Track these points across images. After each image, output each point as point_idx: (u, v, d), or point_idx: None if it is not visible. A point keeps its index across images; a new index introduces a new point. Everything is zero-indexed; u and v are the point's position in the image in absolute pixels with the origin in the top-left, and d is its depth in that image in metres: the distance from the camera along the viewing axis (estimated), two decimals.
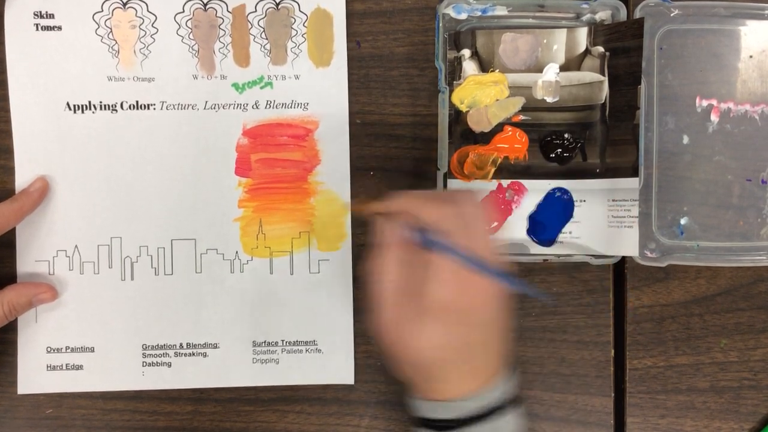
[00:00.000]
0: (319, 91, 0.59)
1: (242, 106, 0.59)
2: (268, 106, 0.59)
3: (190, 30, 0.59)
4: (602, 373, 0.60)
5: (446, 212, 0.47)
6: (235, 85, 0.59)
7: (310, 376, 0.59)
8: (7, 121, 0.58)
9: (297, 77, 0.59)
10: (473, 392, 0.48)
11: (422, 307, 0.46)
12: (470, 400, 0.48)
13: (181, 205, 0.59)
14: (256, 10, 0.59)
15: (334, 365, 0.59)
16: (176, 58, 0.59)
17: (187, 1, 0.58)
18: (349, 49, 0.59)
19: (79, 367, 0.59)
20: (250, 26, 0.59)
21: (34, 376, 0.58)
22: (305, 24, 0.59)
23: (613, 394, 0.60)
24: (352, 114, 0.59)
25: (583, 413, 0.60)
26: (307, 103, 0.59)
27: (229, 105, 0.59)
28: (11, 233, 0.58)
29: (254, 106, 0.59)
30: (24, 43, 0.58)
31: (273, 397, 0.59)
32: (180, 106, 0.59)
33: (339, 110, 0.59)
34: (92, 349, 0.59)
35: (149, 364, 0.59)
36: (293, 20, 0.59)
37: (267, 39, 0.59)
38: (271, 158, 0.59)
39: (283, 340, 0.59)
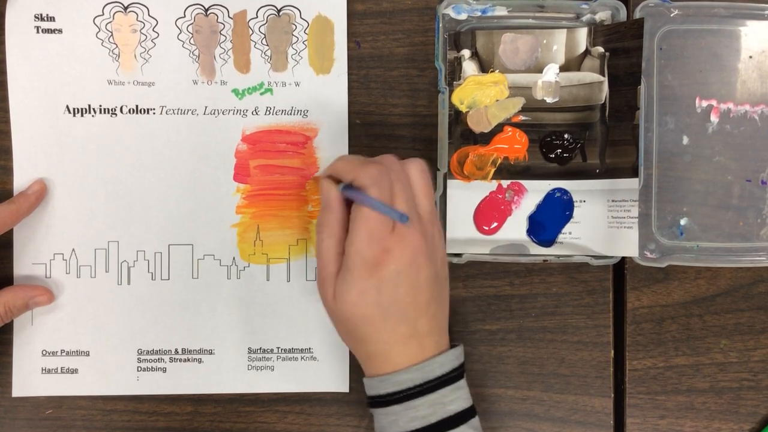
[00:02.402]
0: (319, 99, 0.58)
1: (242, 112, 0.58)
2: (267, 112, 0.58)
3: (190, 35, 0.57)
4: (602, 374, 0.59)
5: (368, 170, 0.47)
6: (235, 91, 0.58)
7: (305, 383, 0.58)
8: (7, 121, 0.57)
9: (297, 84, 0.58)
10: (412, 364, 0.47)
11: (344, 263, 0.47)
12: (405, 372, 0.47)
13: (178, 210, 0.58)
14: (257, 17, 0.58)
15: (329, 373, 0.58)
16: (176, 62, 0.57)
17: (188, 6, 0.57)
18: (349, 50, 0.58)
19: (74, 371, 0.57)
20: (251, 32, 0.58)
21: (29, 379, 0.57)
22: (306, 31, 0.58)
23: (612, 395, 0.59)
24: (352, 114, 0.58)
25: (582, 414, 0.58)
26: (307, 111, 0.58)
27: (229, 111, 0.58)
28: (8, 235, 0.57)
29: (254, 113, 0.58)
30: (24, 45, 0.57)
31: (273, 398, 0.58)
32: (180, 111, 0.58)
33: (338, 118, 0.58)
34: (87, 353, 0.57)
35: (144, 369, 0.58)
36: (294, 27, 0.58)
37: (268, 45, 0.58)
38: (269, 165, 0.58)
39: (278, 348, 0.58)
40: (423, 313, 0.47)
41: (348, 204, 0.48)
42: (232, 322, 0.58)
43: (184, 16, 0.57)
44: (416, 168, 0.49)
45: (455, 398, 0.48)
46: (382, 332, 0.47)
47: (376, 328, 0.47)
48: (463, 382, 0.49)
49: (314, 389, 0.58)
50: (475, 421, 0.49)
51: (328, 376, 0.58)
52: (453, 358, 0.49)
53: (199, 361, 0.57)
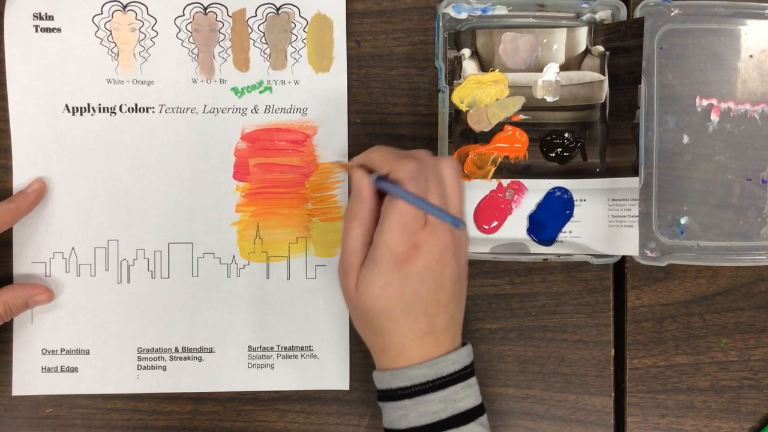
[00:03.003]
0: (319, 97, 0.57)
1: (241, 111, 0.57)
2: (267, 110, 0.57)
3: (190, 33, 0.57)
4: (602, 373, 0.58)
5: (406, 165, 0.47)
6: (235, 90, 0.57)
7: (305, 381, 0.58)
8: (6, 120, 0.57)
9: (296, 82, 0.57)
10: (426, 360, 0.47)
11: (371, 253, 0.46)
12: (419, 367, 0.47)
13: (178, 208, 0.57)
14: (256, 15, 0.57)
15: (330, 371, 0.58)
16: (176, 61, 0.57)
17: (187, 5, 0.57)
18: (349, 49, 0.58)
19: (74, 370, 0.57)
20: (250, 30, 0.57)
21: (29, 377, 0.57)
22: (305, 29, 0.57)
23: (613, 394, 0.58)
24: (352, 113, 0.58)
25: (583, 413, 0.58)
26: (306, 109, 0.57)
27: (228, 109, 0.57)
28: (8, 234, 0.56)
29: (253, 111, 0.57)
30: (23, 44, 0.56)
31: (273, 396, 0.58)
32: (179, 110, 0.57)
33: (338, 116, 0.57)
34: (87, 352, 0.57)
35: (144, 368, 0.57)
36: (293, 25, 0.57)
37: (267, 43, 0.57)
38: (269, 163, 0.58)
39: (278, 346, 0.58)
40: (443, 310, 0.47)
41: (378, 195, 0.48)
42: (232, 320, 0.57)
43: (183, 15, 0.57)
44: (449, 165, 0.49)
45: (466, 395, 0.47)
46: (401, 326, 0.46)
47: (396, 322, 0.46)
48: (473, 380, 0.49)
49: (314, 387, 0.57)
50: (483, 418, 0.48)
51: (328, 374, 0.57)
52: (465, 355, 0.48)
53: (200, 359, 0.57)
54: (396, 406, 0.47)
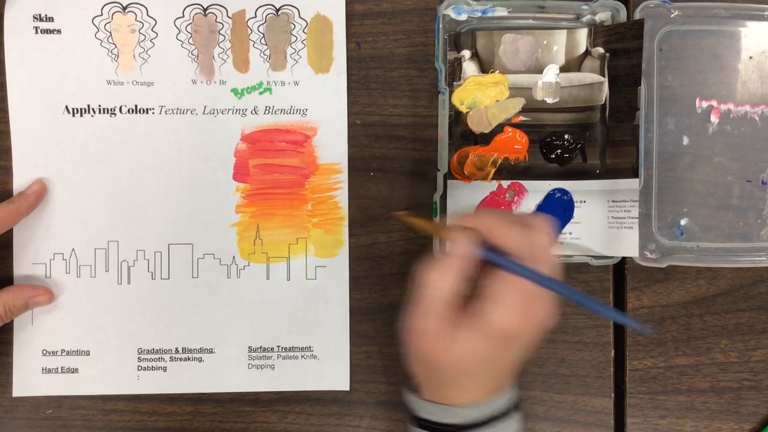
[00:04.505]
0: (318, 98, 0.57)
1: (241, 112, 0.57)
2: (267, 111, 0.57)
3: (189, 35, 0.57)
4: (602, 374, 0.58)
5: (518, 236, 0.44)
6: (234, 91, 0.57)
7: (305, 382, 0.57)
8: (6, 122, 0.56)
9: (296, 83, 0.57)
10: (480, 401, 0.46)
11: (476, 324, 0.43)
12: (475, 408, 0.46)
13: (178, 209, 0.57)
14: (256, 16, 0.57)
15: (330, 371, 0.57)
16: (175, 62, 0.57)
17: (187, 6, 0.56)
18: (349, 50, 0.57)
19: (75, 371, 0.57)
20: (249, 32, 0.57)
21: (29, 378, 0.56)
22: (305, 30, 0.57)
23: (613, 395, 0.58)
24: (352, 115, 0.58)
25: (583, 414, 0.58)
26: (306, 110, 0.57)
27: (228, 110, 0.57)
28: (8, 235, 0.56)
29: (253, 112, 0.57)
30: (23, 46, 0.56)
31: (273, 397, 0.57)
32: (179, 111, 0.57)
33: (338, 117, 0.57)
34: (87, 353, 0.57)
35: (145, 369, 0.57)
36: (293, 26, 0.57)
37: (266, 45, 0.57)
38: (269, 164, 0.57)
39: (278, 346, 0.57)
40: (516, 369, 0.47)
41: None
42: (232, 320, 0.57)
43: (183, 16, 0.56)
44: (548, 234, 0.46)
45: (510, 428, 0.47)
46: (474, 383, 0.45)
47: (471, 379, 0.45)
48: (520, 415, 0.48)
49: (314, 388, 0.57)
50: None
51: (328, 375, 0.57)
52: (515, 393, 0.48)
53: (200, 360, 0.57)
54: None
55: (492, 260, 0.44)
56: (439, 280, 0.44)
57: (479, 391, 0.46)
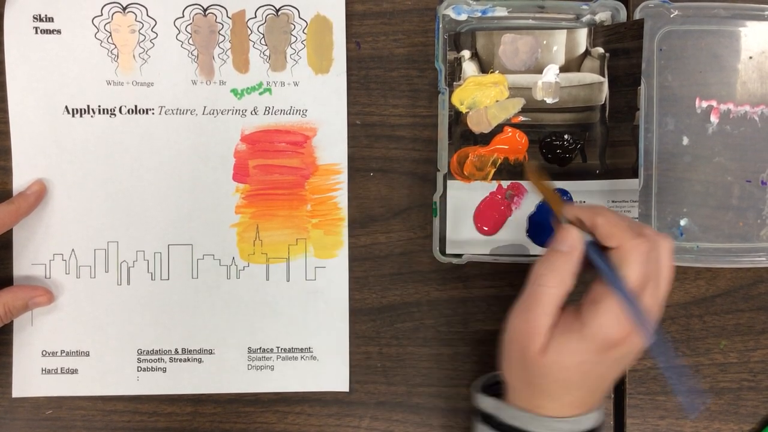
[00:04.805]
0: (318, 98, 0.57)
1: (241, 112, 0.57)
2: (266, 112, 0.57)
3: (189, 35, 0.56)
4: None
5: (639, 246, 0.42)
6: (234, 91, 0.57)
7: (304, 383, 0.57)
8: (6, 122, 0.56)
9: (296, 84, 0.57)
10: (571, 415, 0.44)
11: (580, 329, 0.42)
12: (565, 422, 0.44)
13: (178, 210, 0.57)
14: (255, 16, 0.56)
15: (329, 373, 0.57)
16: (175, 63, 0.56)
17: (187, 6, 0.56)
18: (349, 50, 0.57)
19: (74, 371, 0.56)
20: (249, 32, 0.56)
21: (29, 379, 0.56)
22: (305, 30, 0.57)
23: (612, 395, 0.58)
24: (352, 115, 0.57)
25: None
26: (306, 110, 0.57)
27: (228, 111, 0.57)
28: (8, 235, 0.56)
29: (253, 112, 0.57)
30: (23, 46, 0.56)
31: (273, 398, 0.57)
32: (179, 111, 0.56)
33: (337, 117, 0.57)
34: (87, 354, 0.56)
35: (144, 369, 0.57)
36: (293, 26, 0.57)
37: (266, 45, 0.57)
38: (269, 164, 0.57)
39: (278, 347, 0.57)
40: (610, 387, 0.46)
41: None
42: (231, 321, 0.57)
43: (183, 16, 0.56)
44: (669, 249, 0.44)
45: None
46: (568, 395, 0.44)
47: (567, 391, 0.44)
48: None
49: (314, 389, 0.57)
50: None
51: (328, 376, 0.57)
52: (602, 414, 0.47)
53: (199, 360, 0.56)
54: None
55: (598, 266, 0.43)
56: (549, 276, 0.43)
57: (571, 405, 0.44)
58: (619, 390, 0.57)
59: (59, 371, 0.56)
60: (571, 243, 0.44)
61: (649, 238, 0.43)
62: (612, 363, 0.43)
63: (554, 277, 0.43)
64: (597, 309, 0.42)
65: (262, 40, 0.56)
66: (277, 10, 0.56)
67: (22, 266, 0.55)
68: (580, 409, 0.45)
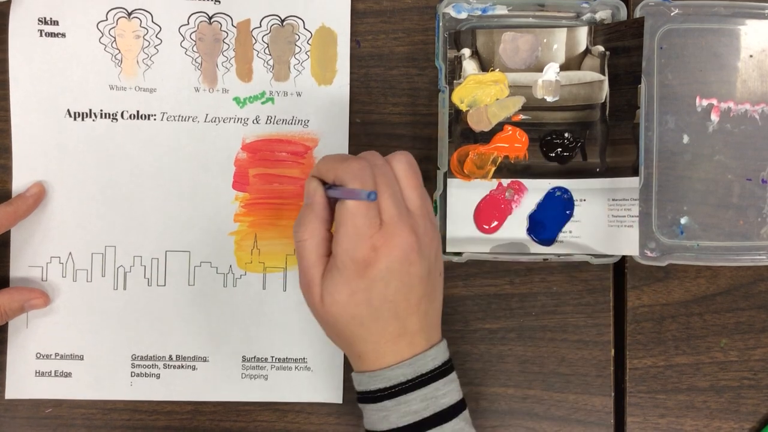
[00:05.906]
0: (321, 109, 0.55)
1: (242, 121, 0.55)
2: (268, 121, 0.55)
3: (194, 42, 0.55)
4: (602, 373, 0.56)
5: (348, 166, 0.43)
6: (237, 100, 0.55)
7: (298, 393, 0.56)
8: (7, 120, 0.55)
9: (299, 94, 0.56)
10: (402, 361, 0.44)
11: (332, 263, 0.43)
12: (400, 367, 0.44)
13: (177, 216, 0.55)
14: (260, 26, 0.55)
15: (323, 384, 0.56)
16: (179, 69, 0.55)
17: (192, 14, 0.55)
18: (349, 49, 0.56)
19: (68, 375, 0.55)
20: (254, 41, 0.55)
21: (22, 381, 0.55)
22: (309, 41, 0.55)
23: (613, 394, 0.56)
24: (352, 113, 0.56)
25: (583, 413, 0.56)
26: (308, 121, 0.55)
27: (230, 119, 0.55)
28: (5, 237, 0.55)
29: (255, 121, 0.55)
30: (27, 48, 0.55)
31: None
32: (180, 118, 0.55)
33: (339, 128, 0.56)
34: (81, 357, 0.55)
35: (138, 375, 0.55)
36: (297, 37, 0.55)
37: (270, 55, 0.55)
38: (269, 174, 0.56)
39: (272, 357, 0.56)
40: (414, 311, 0.44)
41: (332, 205, 0.45)
42: (226, 329, 0.55)
43: (188, 24, 0.55)
44: (401, 161, 0.45)
45: (448, 391, 0.45)
46: (372, 332, 0.44)
47: (367, 329, 0.44)
48: (454, 375, 0.46)
49: (308, 399, 0.55)
50: (466, 413, 0.46)
51: (321, 387, 0.55)
52: (443, 351, 0.46)
53: (193, 368, 0.55)
54: (377, 408, 0.44)
55: (329, 194, 0.44)
56: (301, 230, 0.44)
57: (384, 340, 0.44)
58: (620, 388, 0.56)
59: (53, 374, 0.55)
60: (309, 194, 0.45)
61: (363, 158, 0.44)
62: (385, 282, 0.43)
63: (306, 229, 0.44)
64: (337, 237, 0.43)
65: (266, 49, 0.55)
66: (282, 21, 0.55)
67: (19, 268, 0.54)
68: (408, 349, 0.44)
